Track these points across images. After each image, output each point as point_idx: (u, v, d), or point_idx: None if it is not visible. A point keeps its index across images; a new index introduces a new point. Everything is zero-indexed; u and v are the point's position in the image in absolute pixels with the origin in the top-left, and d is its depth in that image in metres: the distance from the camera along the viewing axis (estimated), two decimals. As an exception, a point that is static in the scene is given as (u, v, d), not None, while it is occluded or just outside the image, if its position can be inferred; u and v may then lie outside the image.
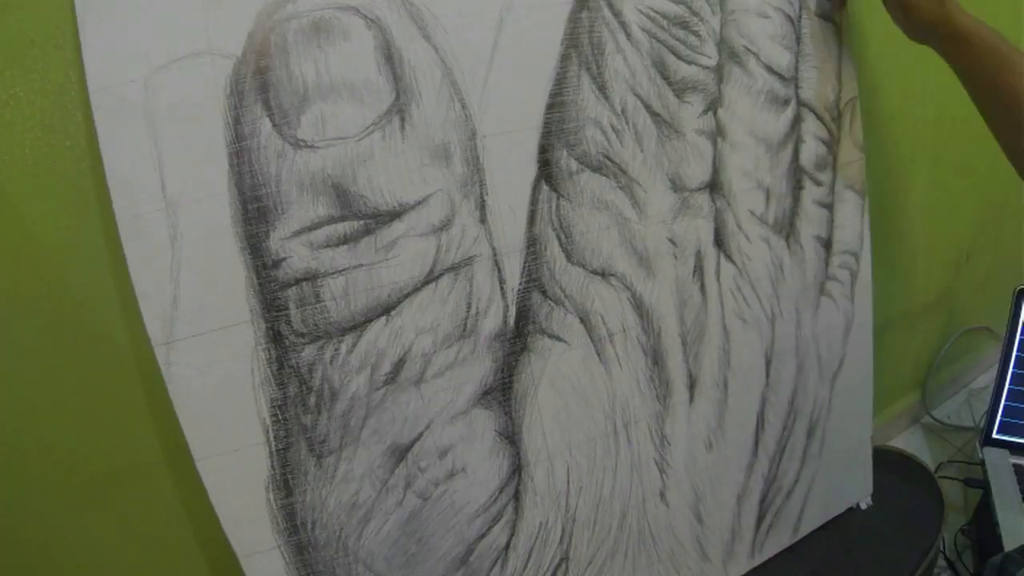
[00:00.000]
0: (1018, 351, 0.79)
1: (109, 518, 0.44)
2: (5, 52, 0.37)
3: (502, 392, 0.44)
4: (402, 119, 0.39)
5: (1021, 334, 0.79)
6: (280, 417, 0.39)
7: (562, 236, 0.45)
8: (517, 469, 0.45)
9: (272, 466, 0.40)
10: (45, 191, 0.39)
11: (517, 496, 0.46)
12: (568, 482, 0.47)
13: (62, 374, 0.41)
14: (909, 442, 0.88)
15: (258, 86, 0.37)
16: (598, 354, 0.47)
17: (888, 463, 0.70)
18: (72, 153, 0.39)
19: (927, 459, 0.82)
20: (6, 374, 0.40)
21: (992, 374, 0.81)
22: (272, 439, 0.40)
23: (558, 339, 0.45)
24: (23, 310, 0.40)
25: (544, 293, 0.45)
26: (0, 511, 0.41)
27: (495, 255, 0.43)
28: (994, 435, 0.79)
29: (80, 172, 0.39)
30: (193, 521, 0.46)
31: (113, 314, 0.42)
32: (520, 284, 0.44)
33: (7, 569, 0.42)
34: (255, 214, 0.38)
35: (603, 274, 0.46)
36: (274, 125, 0.38)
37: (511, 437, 0.45)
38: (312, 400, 0.40)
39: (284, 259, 0.38)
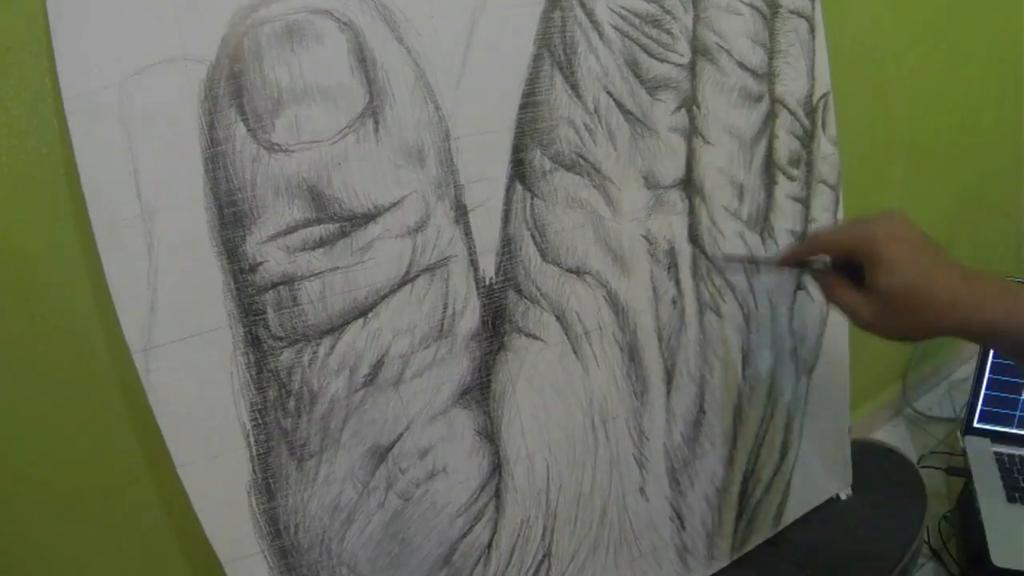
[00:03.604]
0: (997, 341, 0.80)
1: (91, 527, 0.45)
2: (-21, 60, 0.37)
3: (480, 391, 0.45)
4: (376, 121, 0.40)
5: (1000, 324, 0.80)
6: (260, 421, 0.40)
7: (537, 235, 0.45)
8: (497, 467, 0.46)
9: (253, 470, 0.40)
10: (21, 198, 0.39)
11: (498, 494, 0.46)
12: (548, 479, 0.48)
13: (40, 383, 0.42)
14: (892, 434, 0.90)
15: (232, 91, 0.37)
16: (575, 352, 0.47)
17: (870, 455, 0.71)
18: (49, 160, 0.39)
19: (910, 450, 0.84)
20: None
21: (972, 365, 0.83)
22: (253, 443, 0.40)
23: (535, 337, 0.46)
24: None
25: (520, 292, 0.45)
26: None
27: (470, 255, 0.43)
28: (975, 424, 0.81)
29: (56, 179, 0.40)
30: (176, 528, 0.47)
31: (91, 321, 0.42)
32: (496, 283, 0.44)
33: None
34: (231, 219, 0.38)
35: (578, 272, 0.47)
36: (248, 129, 0.38)
37: (490, 436, 0.45)
38: (292, 403, 0.40)
39: (261, 263, 0.39)
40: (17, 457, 0.42)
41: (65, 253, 0.41)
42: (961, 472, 0.76)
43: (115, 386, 0.43)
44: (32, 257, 0.40)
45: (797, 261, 0.47)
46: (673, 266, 0.50)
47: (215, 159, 0.38)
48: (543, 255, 0.46)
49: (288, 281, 0.39)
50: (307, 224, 0.39)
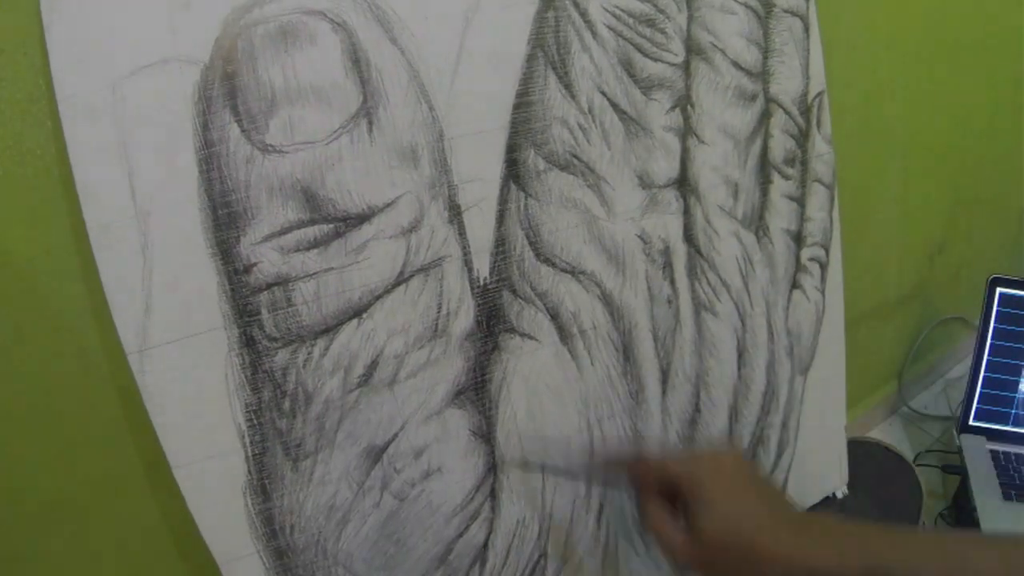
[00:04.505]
0: (992, 339, 0.80)
1: (86, 531, 0.44)
2: (-27, 61, 0.37)
3: (475, 391, 0.45)
4: (370, 122, 0.40)
5: (995, 322, 0.80)
6: (255, 422, 0.40)
7: (531, 235, 0.45)
8: (493, 467, 0.46)
9: (249, 471, 0.40)
10: (15, 200, 0.39)
11: (494, 494, 0.46)
12: (543, 479, 0.48)
13: (33, 384, 0.41)
14: (887, 433, 0.90)
15: (226, 92, 0.37)
16: (569, 351, 0.47)
17: (866, 454, 0.71)
18: (42, 162, 0.39)
19: (906, 449, 0.84)
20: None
21: (967, 364, 0.83)
22: (248, 444, 0.40)
23: (529, 337, 0.46)
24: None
25: (514, 292, 0.45)
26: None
27: (465, 255, 0.43)
28: (971, 422, 0.81)
29: (51, 181, 0.39)
30: (172, 529, 0.46)
31: (85, 323, 0.42)
32: (490, 283, 0.44)
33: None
34: (225, 220, 0.38)
35: (573, 272, 0.47)
36: (242, 131, 0.38)
37: (485, 436, 0.45)
38: (287, 404, 0.40)
39: (255, 264, 0.39)
40: (10, 459, 0.42)
41: (59, 255, 0.40)
42: (957, 470, 0.77)
43: (110, 388, 0.43)
44: (26, 259, 0.40)
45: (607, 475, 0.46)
46: (668, 265, 0.50)
47: (209, 160, 0.38)
48: (537, 255, 0.46)
49: (282, 282, 0.39)
50: (301, 225, 0.39)
